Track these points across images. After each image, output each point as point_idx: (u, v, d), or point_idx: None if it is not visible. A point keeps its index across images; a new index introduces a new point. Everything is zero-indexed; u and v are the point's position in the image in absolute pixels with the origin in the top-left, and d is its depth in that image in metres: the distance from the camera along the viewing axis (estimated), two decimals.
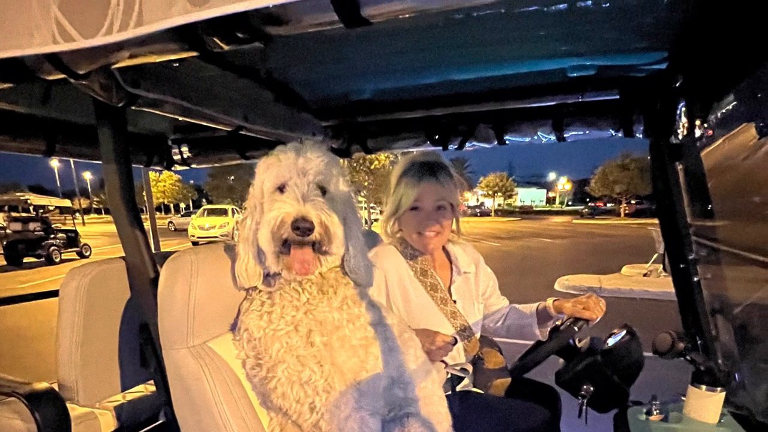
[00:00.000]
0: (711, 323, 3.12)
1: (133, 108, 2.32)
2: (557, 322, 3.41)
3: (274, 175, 2.17)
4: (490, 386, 3.27)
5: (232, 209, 44.91)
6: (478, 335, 3.44)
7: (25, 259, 30.22)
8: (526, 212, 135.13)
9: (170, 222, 64.34)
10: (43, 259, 30.33)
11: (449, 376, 3.20)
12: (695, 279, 3.12)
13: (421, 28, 2.43)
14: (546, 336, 3.44)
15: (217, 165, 4.75)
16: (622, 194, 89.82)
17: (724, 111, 2.64)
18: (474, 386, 3.34)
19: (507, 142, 3.82)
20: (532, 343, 3.57)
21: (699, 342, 3.10)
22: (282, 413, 2.28)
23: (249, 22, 1.43)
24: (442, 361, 3.13)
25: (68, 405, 2.58)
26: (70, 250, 32.91)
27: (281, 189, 2.14)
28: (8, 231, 29.94)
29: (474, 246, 3.74)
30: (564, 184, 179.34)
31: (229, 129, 3.05)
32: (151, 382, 3.00)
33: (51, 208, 37.23)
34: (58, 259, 30.65)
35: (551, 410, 3.27)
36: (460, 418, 2.83)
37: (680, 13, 2.27)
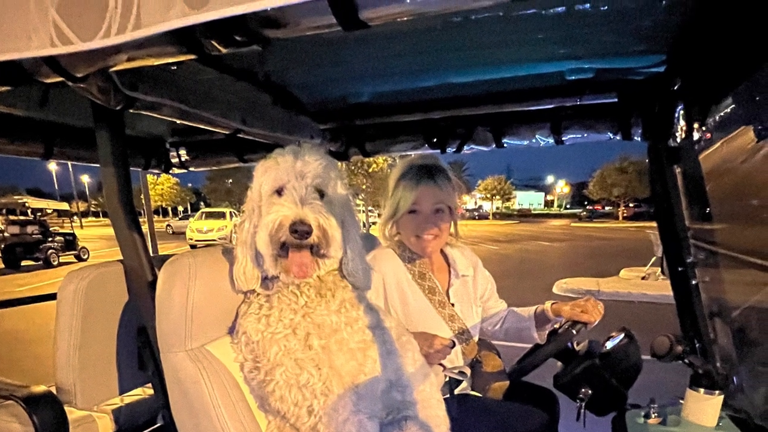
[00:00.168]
0: (709, 326, 3.12)
1: (131, 111, 2.32)
2: (555, 326, 3.41)
3: (272, 178, 2.17)
4: (488, 389, 3.27)
5: (230, 212, 44.80)
6: (476, 338, 3.43)
7: (23, 263, 30.19)
8: (524, 215, 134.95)
9: (168, 225, 64.20)
10: (40, 263, 30.34)
11: (447, 379, 3.20)
12: (693, 282, 3.12)
13: (420, 31, 2.43)
14: (544, 339, 3.44)
15: (215, 168, 4.74)
16: (620, 197, 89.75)
17: (722, 114, 2.64)
18: (472, 389, 3.34)
19: (505, 145, 3.82)
20: (530, 346, 3.56)
21: (697, 345, 3.10)
22: (280, 416, 2.28)
23: (247, 25, 1.43)
24: (440, 365, 3.13)
25: (66, 408, 2.57)
26: (67, 253, 32.92)
27: (279, 192, 2.14)
28: (6, 234, 29.94)
29: (472, 249, 3.74)
30: (562, 187, 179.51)
31: (227, 132, 3.06)
32: (149, 385, 3.01)
33: (49, 211, 37.22)
34: (56, 263, 30.65)
35: (549, 413, 3.27)
36: (458, 421, 2.83)
37: (678, 16, 2.27)
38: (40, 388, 2.54)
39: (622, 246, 36.72)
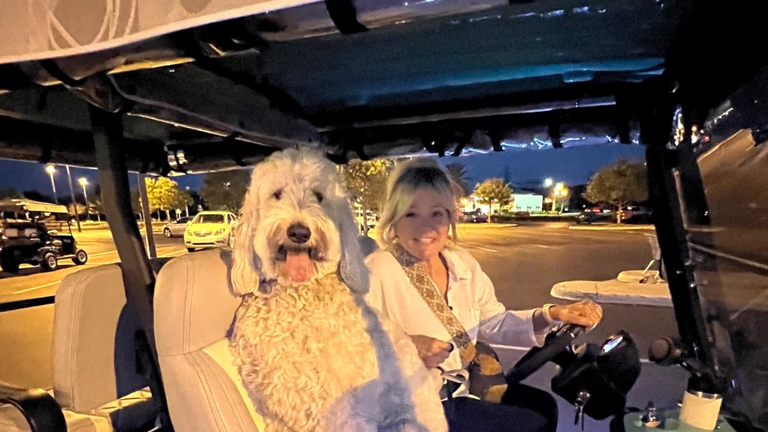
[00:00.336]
0: (707, 330, 3.12)
1: (129, 114, 2.32)
2: (553, 329, 3.41)
3: (270, 182, 2.17)
4: (486, 393, 3.27)
5: (228, 215, 44.80)
6: (474, 342, 3.43)
7: (21, 266, 30.18)
8: (522, 218, 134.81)
9: (166, 228, 64.21)
10: (38, 266, 30.33)
11: (445, 382, 3.19)
12: (692, 285, 3.12)
13: (418, 34, 2.44)
14: (542, 342, 3.44)
15: (213, 171, 4.74)
16: (618, 200, 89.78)
17: (720, 117, 2.65)
18: (470, 393, 3.34)
19: (503, 148, 3.82)
20: (528, 349, 3.56)
21: (695, 348, 3.10)
22: (278, 420, 2.27)
23: (245, 28, 1.42)
24: (439, 368, 3.12)
25: (64, 411, 2.57)
26: (65, 256, 32.90)
27: (277, 195, 2.14)
28: (4, 237, 29.90)
29: (470, 252, 3.74)
30: (560, 191, 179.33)
31: (225, 135, 3.05)
32: (147, 388, 3.00)
33: (47, 214, 37.18)
34: (53, 266, 30.65)
35: (547, 417, 3.27)
36: (456, 425, 2.83)
37: (677, 19, 2.27)
38: (38, 392, 2.53)
39: (621, 249, 36.74)
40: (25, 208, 34.40)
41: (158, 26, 1.26)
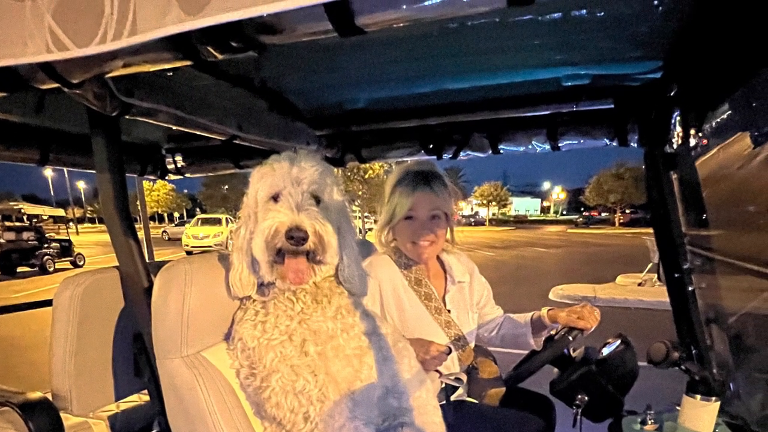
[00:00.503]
0: (706, 333, 3.12)
1: (127, 117, 2.32)
2: (552, 332, 3.41)
3: (268, 185, 2.17)
4: (484, 396, 3.27)
5: (226, 219, 44.85)
6: (472, 345, 3.43)
7: (19, 269, 30.19)
8: (520, 221, 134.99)
9: (164, 231, 64.18)
10: (36, 269, 30.30)
11: (443, 385, 3.20)
12: (690, 288, 3.12)
13: (416, 37, 2.44)
14: (540, 345, 3.44)
15: (211, 174, 4.75)
16: (616, 203, 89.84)
17: (718, 120, 2.65)
18: (468, 396, 3.34)
19: (501, 151, 3.82)
20: (526, 352, 3.56)
21: (694, 351, 3.10)
22: (276, 423, 2.27)
23: (243, 31, 1.42)
24: (437, 371, 3.13)
25: (62, 415, 2.56)
26: (63, 259, 32.90)
27: (275, 198, 2.15)
28: (2, 241, 29.88)
29: (468, 255, 3.74)
30: (558, 194, 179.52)
31: (223, 138, 3.05)
32: (145, 391, 2.99)
33: (45, 217, 37.22)
34: (51, 269, 30.61)
35: (546, 420, 3.27)
36: (454, 428, 2.83)
37: (675, 22, 2.27)
38: (35, 395, 2.52)
39: (619, 252, 36.76)
40: (23, 211, 34.43)
41: (156, 29, 1.26)
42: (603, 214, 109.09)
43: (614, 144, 3.47)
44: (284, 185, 2.13)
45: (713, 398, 2.66)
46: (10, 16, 1.40)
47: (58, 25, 1.35)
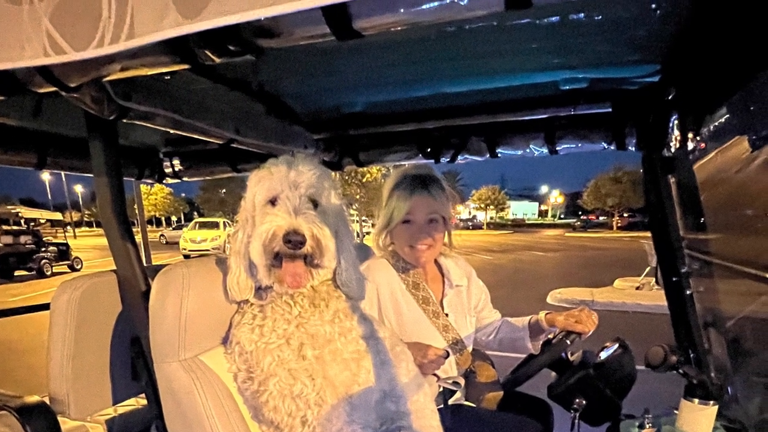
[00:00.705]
0: (704, 336, 3.12)
1: (125, 121, 2.32)
2: (549, 336, 3.40)
3: (265, 188, 2.17)
4: (482, 399, 3.27)
5: (224, 222, 44.82)
6: (470, 348, 3.43)
7: (16, 273, 30.14)
8: (518, 225, 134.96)
9: (162, 235, 64.11)
10: (34, 273, 30.30)
11: (441, 389, 3.19)
12: (688, 292, 3.12)
13: (413, 40, 2.44)
14: (538, 349, 3.43)
15: (208, 178, 4.74)
16: (614, 207, 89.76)
17: (716, 124, 2.65)
18: (466, 399, 3.34)
19: (499, 154, 3.82)
20: (524, 356, 3.56)
21: (692, 355, 3.10)
22: (274, 427, 2.26)
23: (241, 34, 1.42)
24: (434, 375, 3.12)
25: (59, 418, 2.56)
26: (61, 263, 32.88)
27: (273, 202, 2.15)
28: None
29: (466, 259, 3.74)
30: (556, 197, 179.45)
31: (220, 142, 3.05)
32: (143, 395, 2.99)
33: (42, 221, 37.25)
34: (49, 273, 30.61)
35: (543, 424, 3.27)
36: None
37: (673, 26, 2.28)
38: (33, 399, 2.53)
39: (617, 256, 36.77)
40: (20, 214, 34.45)
41: (154, 33, 1.26)
42: (601, 218, 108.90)
43: (612, 148, 3.47)
44: (282, 189, 2.13)
45: (711, 402, 2.66)
46: (7, 20, 1.40)
47: (56, 29, 1.35)
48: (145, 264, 2.62)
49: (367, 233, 39.30)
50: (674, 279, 3.16)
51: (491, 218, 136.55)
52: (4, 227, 32.25)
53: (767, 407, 2.79)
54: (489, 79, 3.08)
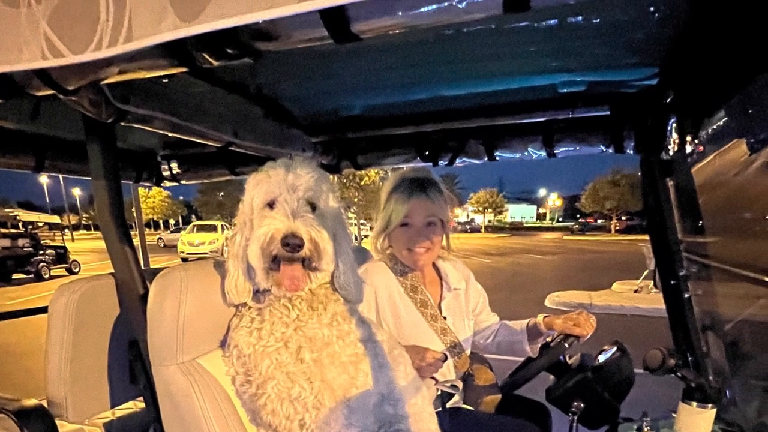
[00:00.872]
0: (702, 340, 3.12)
1: (123, 124, 2.31)
2: (548, 339, 3.41)
3: (263, 192, 2.17)
4: (480, 403, 3.27)
5: (222, 225, 44.79)
6: (468, 352, 3.43)
7: (14, 276, 30.12)
8: (516, 228, 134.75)
9: (160, 238, 64.18)
10: (32, 276, 30.29)
11: (439, 392, 3.18)
12: (686, 295, 3.12)
13: (412, 43, 2.44)
14: (536, 352, 3.43)
15: (206, 181, 4.73)
16: (612, 210, 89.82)
17: (715, 127, 2.65)
18: (464, 403, 3.34)
19: (497, 158, 3.82)
20: (522, 359, 3.56)
21: (690, 358, 3.10)
22: (272, 430, 2.26)
23: (239, 37, 1.42)
24: (432, 378, 3.12)
25: (57, 422, 2.56)
26: (59, 266, 32.85)
27: (271, 205, 2.15)
28: None
29: (464, 262, 3.74)
30: (554, 200, 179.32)
31: (218, 145, 3.05)
32: (141, 398, 2.99)
33: (40, 224, 37.25)
34: (47, 276, 30.60)
35: (542, 427, 3.27)
36: None
37: (671, 29, 2.28)
38: (31, 402, 2.52)
39: (615, 259, 36.78)
40: (18, 218, 34.44)
41: (152, 36, 1.26)
42: (599, 221, 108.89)
43: (610, 151, 3.46)
44: (280, 192, 2.13)
45: (709, 405, 2.66)
46: (5, 23, 1.40)
47: (54, 32, 1.35)
48: (143, 267, 2.61)
49: (366, 236, 39.36)
50: (672, 282, 3.15)
51: (489, 221, 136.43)
52: (2, 230, 32.17)
53: (765, 410, 2.78)
54: (487, 82, 3.08)
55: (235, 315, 2.36)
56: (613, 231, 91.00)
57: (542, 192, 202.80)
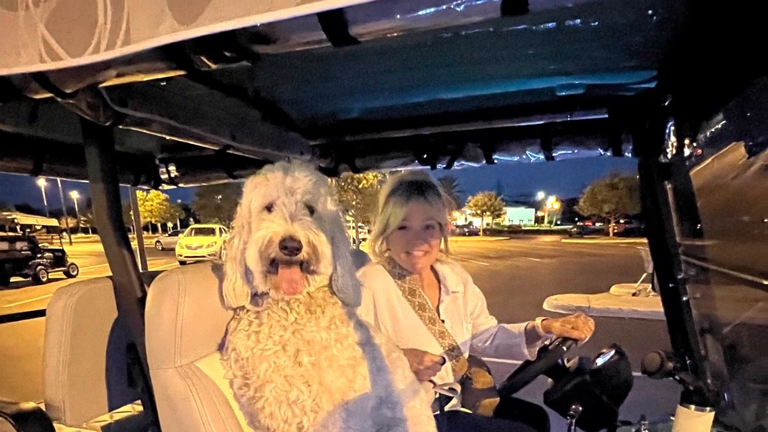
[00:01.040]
0: (700, 343, 3.11)
1: (121, 127, 2.31)
2: (546, 342, 3.40)
3: (261, 195, 2.17)
4: (478, 406, 3.26)
5: (220, 229, 44.77)
6: (466, 355, 3.42)
7: (12, 279, 30.11)
8: (514, 231, 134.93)
9: (157, 241, 64.06)
10: (30, 279, 30.27)
11: (437, 395, 3.19)
12: (684, 298, 3.12)
13: (410, 46, 2.44)
14: (534, 356, 3.43)
15: (204, 184, 4.74)
16: (610, 213, 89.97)
17: (713, 130, 2.65)
18: (462, 406, 3.33)
19: (495, 161, 3.82)
20: (520, 362, 3.56)
21: (688, 362, 3.09)
22: None
23: (237, 40, 1.42)
24: (431, 381, 3.12)
25: (55, 425, 2.56)
26: (57, 269, 32.86)
27: (269, 208, 2.15)
28: None
29: (462, 265, 3.73)
30: (552, 204, 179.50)
31: (216, 148, 3.05)
32: (139, 401, 2.98)
33: (38, 227, 37.30)
34: (45, 279, 30.57)
35: (540, 430, 3.27)
36: None
37: (669, 32, 2.28)
38: (29, 405, 2.53)
39: (613, 262, 36.77)
40: (16, 221, 34.54)
41: (150, 39, 1.26)
42: (597, 224, 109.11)
43: (608, 154, 3.46)
44: (278, 195, 2.13)
45: (708, 408, 2.66)
46: (3, 26, 1.40)
47: (52, 35, 1.35)
48: (141, 270, 2.61)
49: (364, 239, 39.33)
50: (671, 285, 3.15)
51: (487, 224, 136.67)
52: (0, 234, 32.20)
53: (763, 413, 2.79)
54: (485, 85, 3.07)
55: (233, 318, 2.36)
56: (611, 234, 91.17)
57: (540, 195, 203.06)
